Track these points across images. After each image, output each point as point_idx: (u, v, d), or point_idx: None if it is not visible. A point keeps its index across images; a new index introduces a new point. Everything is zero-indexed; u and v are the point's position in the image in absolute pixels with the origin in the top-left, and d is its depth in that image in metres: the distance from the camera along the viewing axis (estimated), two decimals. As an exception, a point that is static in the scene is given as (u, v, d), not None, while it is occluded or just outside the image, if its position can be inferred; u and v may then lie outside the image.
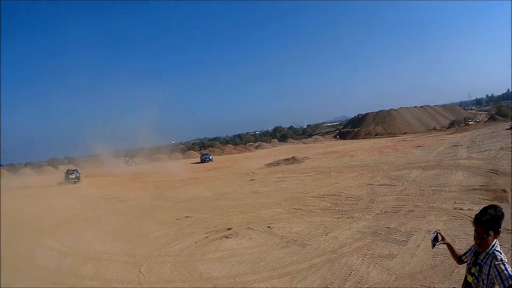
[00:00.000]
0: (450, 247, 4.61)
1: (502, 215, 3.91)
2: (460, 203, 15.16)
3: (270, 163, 47.64)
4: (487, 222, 3.86)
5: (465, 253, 4.37)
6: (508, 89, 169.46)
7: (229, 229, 16.35)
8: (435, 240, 4.54)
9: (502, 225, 3.93)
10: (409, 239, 11.73)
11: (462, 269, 8.33)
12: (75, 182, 52.30)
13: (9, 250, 16.20)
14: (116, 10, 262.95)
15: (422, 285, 8.36)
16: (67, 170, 57.99)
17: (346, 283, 9.17)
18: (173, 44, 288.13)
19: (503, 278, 3.67)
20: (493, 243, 3.91)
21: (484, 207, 4.03)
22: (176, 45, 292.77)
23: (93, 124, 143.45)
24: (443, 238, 4.55)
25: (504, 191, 15.57)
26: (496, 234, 3.92)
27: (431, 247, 4.70)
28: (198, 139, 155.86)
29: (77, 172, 56.28)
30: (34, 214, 26.25)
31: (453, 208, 14.61)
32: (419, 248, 10.81)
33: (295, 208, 18.72)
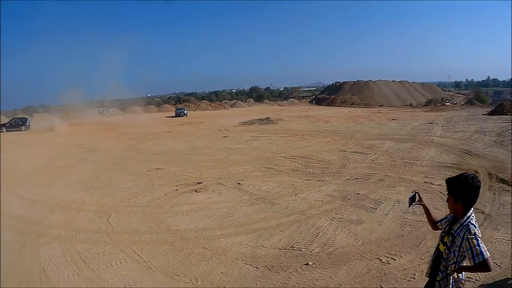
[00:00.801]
0: (426, 210, 4.57)
1: (473, 186, 3.81)
2: (431, 177, 15.33)
3: (245, 122, 48.22)
4: (452, 185, 3.88)
5: (441, 220, 4.36)
6: (488, 77, 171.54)
7: (199, 183, 16.52)
8: (412, 199, 4.53)
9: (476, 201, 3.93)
10: (378, 207, 11.92)
11: (429, 241, 8.72)
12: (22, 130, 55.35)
13: None
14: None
15: (388, 253, 8.50)
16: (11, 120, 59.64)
17: (313, 243, 9.34)
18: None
19: (474, 253, 3.65)
20: (468, 214, 3.87)
21: (462, 173, 4.04)
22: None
23: (67, 73, 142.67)
24: (420, 199, 4.54)
25: (476, 172, 15.59)
26: (466, 204, 3.86)
27: (407, 205, 4.72)
28: (174, 93, 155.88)
29: (25, 121, 58.47)
30: (4, 163, 26.16)
31: (423, 181, 14.80)
32: (388, 217, 10.98)
33: (266, 167, 19.01)
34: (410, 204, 4.58)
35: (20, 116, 65.20)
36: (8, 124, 56.77)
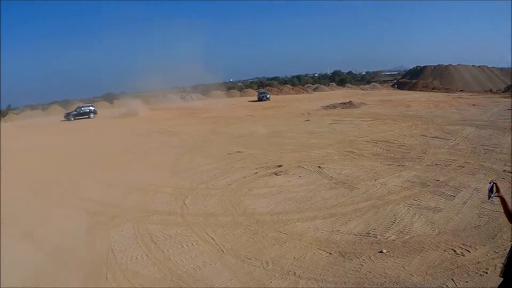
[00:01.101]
0: (503, 201, 4.27)
1: None
2: (510, 166, 14.59)
3: (327, 106, 47.30)
4: None
5: None
6: None
7: (279, 166, 16.47)
8: (491, 190, 4.28)
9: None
10: (456, 195, 11.47)
11: (505, 233, 8.22)
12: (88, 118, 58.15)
13: (53, 184, 16.89)
14: None
15: (463, 244, 8.13)
16: (77, 108, 61.70)
17: (389, 231, 9.11)
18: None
19: None
20: None
21: None
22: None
23: (147, 60, 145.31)
24: (498, 190, 4.25)
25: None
26: None
27: (487, 198, 4.48)
28: (256, 78, 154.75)
29: (91, 107, 61.52)
30: (85, 147, 27.45)
31: (502, 170, 14.13)
32: (466, 205, 10.53)
33: (347, 151, 18.70)
34: (489, 196, 4.36)
35: (87, 104, 66.98)
36: (75, 112, 59.32)
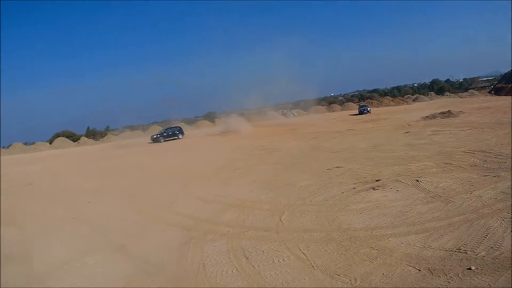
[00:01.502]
0: None
1: None
2: None
3: (427, 116, 46.77)
4: None
5: None
6: None
7: (377, 180, 16.27)
8: None
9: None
10: (553, 206, 10.94)
11: None
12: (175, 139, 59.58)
13: (151, 199, 17.78)
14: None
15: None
16: (165, 130, 63.12)
17: (480, 246, 8.85)
18: None
19: None
20: None
21: None
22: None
23: (247, 78, 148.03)
24: None
25: None
26: None
27: None
28: (357, 91, 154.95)
29: (176, 130, 62.94)
30: (185, 165, 28.38)
31: None
32: None
33: (445, 163, 18.25)
34: None
35: (174, 125, 69.16)
36: (165, 134, 60.40)
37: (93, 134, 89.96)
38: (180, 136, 60.70)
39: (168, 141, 57.16)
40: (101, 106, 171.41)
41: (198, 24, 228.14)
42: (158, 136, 59.42)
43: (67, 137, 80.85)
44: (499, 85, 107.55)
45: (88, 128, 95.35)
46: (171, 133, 60.84)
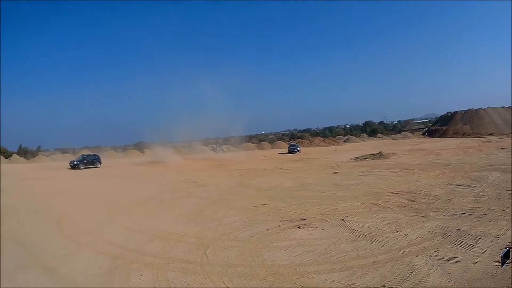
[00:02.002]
0: None
1: None
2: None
3: (357, 157, 48.26)
4: None
5: None
6: None
7: (303, 219, 16.42)
8: (505, 256, 3.95)
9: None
10: (476, 244, 11.50)
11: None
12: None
13: (78, 225, 17.54)
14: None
15: (478, 294, 7.99)
16: (82, 156, 61.77)
17: (405, 283, 9.10)
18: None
19: None
20: None
21: None
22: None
23: (175, 109, 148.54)
24: None
25: None
26: None
27: (500, 265, 4.14)
28: (288, 130, 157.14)
29: (95, 158, 60.63)
30: (112, 193, 28.08)
31: (526, 214, 14.02)
32: (484, 254, 10.55)
33: (372, 203, 18.71)
34: (503, 263, 4.07)
35: (91, 153, 68.85)
36: (85, 161, 58.41)
37: (25, 153, 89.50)
38: (98, 165, 59.29)
39: (90, 168, 56.49)
40: (34, 124, 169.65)
41: (133, 52, 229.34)
42: (78, 162, 57.56)
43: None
44: (434, 127, 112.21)
45: (21, 146, 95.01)
46: (90, 161, 59.38)
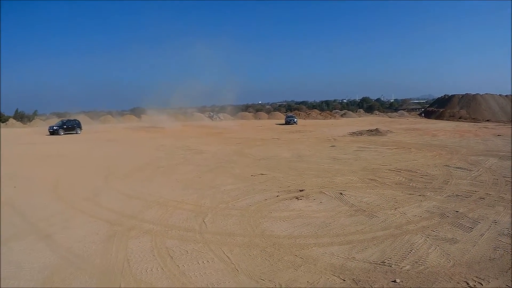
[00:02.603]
0: None
1: None
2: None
3: (354, 132, 48.08)
4: None
5: None
6: None
7: (301, 190, 16.43)
8: None
9: None
10: (474, 227, 11.44)
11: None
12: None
13: (75, 190, 17.43)
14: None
15: (477, 277, 8.10)
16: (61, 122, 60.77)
17: (404, 260, 9.08)
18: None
19: None
20: None
21: None
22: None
23: (173, 77, 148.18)
24: None
25: None
26: None
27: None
28: (285, 101, 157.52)
29: (75, 123, 60.15)
30: (110, 159, 28.04)
31: (522, 202, 14.06)
32: (482, 238, 10.50)
33: (369, 179, 18.70)
34: None
35: (72, 118, 67.89)
36: (65, 127, 57.79)
37: (21, 117, 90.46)
38: (78, 131, 58.64)
39: (70, 134, 56.05)
40: (32, 88, 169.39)
41: (131, 20, 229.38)
42: (57, 128, 56.86)
43: (-6, 117, 79.80)
44: (431, 109, 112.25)
45: (17, 110, 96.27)
46: (70, 126, 58.61)
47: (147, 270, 8.65)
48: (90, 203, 15.02)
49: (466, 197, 14.90)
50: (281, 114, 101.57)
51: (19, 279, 8.26)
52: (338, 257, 9.34)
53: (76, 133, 57.46)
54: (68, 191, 17.26)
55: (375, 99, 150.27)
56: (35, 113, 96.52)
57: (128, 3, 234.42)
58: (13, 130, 63.00)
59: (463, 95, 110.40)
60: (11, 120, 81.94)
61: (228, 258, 9.38)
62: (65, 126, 57.58)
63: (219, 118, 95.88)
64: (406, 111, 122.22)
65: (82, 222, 12.54)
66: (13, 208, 14.37)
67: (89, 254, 9.73)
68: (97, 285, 7.98)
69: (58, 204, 15.09)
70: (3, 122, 76.82)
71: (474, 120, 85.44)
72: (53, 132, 55.72)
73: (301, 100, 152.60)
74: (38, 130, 65.88)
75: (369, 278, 8.18)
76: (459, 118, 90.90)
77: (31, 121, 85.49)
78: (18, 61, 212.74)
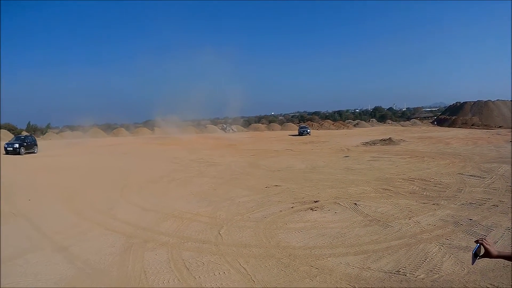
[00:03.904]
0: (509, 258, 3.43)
1: None
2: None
3: (367, 142, 48.20)
4: None
5: None
6: None
7: (316, 201, 16.41)
8: (475, 255, 3.49)
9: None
10: (488, 234, 11.38)
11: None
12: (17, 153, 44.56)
13: (90, 202, 17.54)
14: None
15: (491, 284, 8.11)
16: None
17: (419, 269, 9.07)
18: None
19: None
20: None
21: None
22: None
23: (190, 90, 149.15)
24: (488, 253, 3.41)
25: None
26: None
27: (471, 263, 3.52)
28: (298, 112, 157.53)
29: (32, 140, 50.02)
30: (125, 171, 28.21)
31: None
32: (496, 245, 10.34)
33: (383, 188, 18.69)
34: (473, 261, 3.53)
35: (28, 134, 63.51)
36: (25, 144, 46.82)
37: (34, 130, 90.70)
38: (36, 150, 48.43)
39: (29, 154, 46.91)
40: (41, 102, 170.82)
41: (143, 30, 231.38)
42: (18, 146, 45.21)
43: (8, 130, 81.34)
44: (443, 116, 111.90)
45: (29, 123, 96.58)
46: (30, 144, 48.15)
47: (164, 282, 8.70)
48: (106, 216, 15.12)
49: (480, 205, 14.87)
50: (294, 125, 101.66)
51: (35, 290, 8.34)
52: (353, 267, 9.35)
53: (34, 152, 47.73)
54: (83, 203, 17.37)
55: (387, 108, 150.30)
56: (48, 126, 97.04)
57: (136, 13, 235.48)
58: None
59: (474, 102, 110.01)
60: (24, 133, 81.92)
61: (244, 269, 9.41)
62: (25, 144, 47.21)
63: (232, 130, 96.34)
64: (419, 119, 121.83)
65: (98, 235, 12.63)
66: (29, 221, 14.49)
67: (106, 266, 9.80)
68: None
69: (74, 216, 15.21)
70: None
71: (487, 126, 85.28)
72: (13, 150, 44.86)
73: (314, 111, 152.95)
74: (52, 143, 65.74)
75: (384, 287, 8.21)
76: (472, 125, 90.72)
77: (44, 134, 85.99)
78: (28, 73, 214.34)
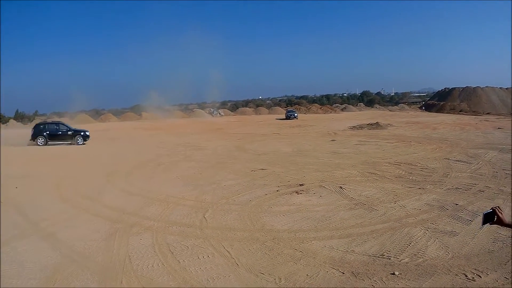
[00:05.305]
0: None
1: None
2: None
3: (354, 126, 48.32)
4: None
5: None
6: None
7: (301, 185, 16.51)
8: (487, 217, 3.62)
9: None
10: (473, 219, 11.46)
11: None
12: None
13: (77, 189, 17.44)
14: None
15: (475, 269, 8.14)
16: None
17: (403, 253, 9.13)
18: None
19: None
20: None
21: None
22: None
23: (172, 73, 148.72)
24: (500, 221, 3.62)
25: None
26: None
27: (481, 224, 3.82)
28: (285, 96, 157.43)
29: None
30: (112, 157, 28.29)
31: (522, 195, 14.07)
32: (482, 230, 10.47)
33: (369, 172, 18.79)
34: (484, 222, 3.69)
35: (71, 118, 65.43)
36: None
37: (22, 118, 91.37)
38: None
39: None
40: (31, 89, 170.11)
41: (131, 15, 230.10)
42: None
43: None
44: (431, 102, 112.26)
45: (17, 111, 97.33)
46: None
47: (148, 266, 8.71)
48: (92, 202, 15.05)
49: (466, 190, 14.93)
50: (282, 109, 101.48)
51: (21, 278, 8.31)
52: (338, 250, 9.40)
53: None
54: (70, 190, 17.30)
55: (376, 92, 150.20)
56: (35, 113, 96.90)
57: (122, 3, 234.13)
58: (14, 131, 62.50)
59: (463, 88, 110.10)
60: (12, 121, 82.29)
61: (228, 252, 9.44)
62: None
63: (220, 114, 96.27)
64: (407, 104, 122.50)
65: (84, 221, 12.57)
66: (16, 208, 14.37)
67: (91, 252, 9.77)
68: (99, 282, 8.05)
69: (60, 203, 15.12)
70: (3, 123, 76.74)
71: (475, 113, 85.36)
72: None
73: (302, 95, 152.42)
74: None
75: (368, 270, 8.24)
76: (460, 111, 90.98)
77: (32, 121, 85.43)
78: (17, 61, 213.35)
